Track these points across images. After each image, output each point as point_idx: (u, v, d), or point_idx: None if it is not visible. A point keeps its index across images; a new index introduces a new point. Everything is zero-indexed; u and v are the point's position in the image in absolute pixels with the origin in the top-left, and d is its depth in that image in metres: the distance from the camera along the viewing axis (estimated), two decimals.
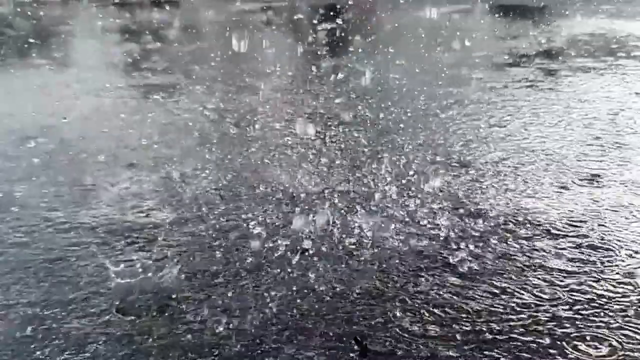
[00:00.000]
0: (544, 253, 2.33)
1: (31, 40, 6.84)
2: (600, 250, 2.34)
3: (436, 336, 1.89)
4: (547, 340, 1.86)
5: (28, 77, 5.53)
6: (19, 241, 2.55)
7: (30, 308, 2.08)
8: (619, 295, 2.07)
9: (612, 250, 2.34)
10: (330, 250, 2.40)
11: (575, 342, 1.85)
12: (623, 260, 2.27)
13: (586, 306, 2.02)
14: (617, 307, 2.01)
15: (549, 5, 8.38)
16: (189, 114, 4.19)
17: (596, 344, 1.84)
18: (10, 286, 2.22)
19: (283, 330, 1.95)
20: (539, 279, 2.17)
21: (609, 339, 1.85)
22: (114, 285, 2.21)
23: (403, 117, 3.89)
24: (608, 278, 2.16)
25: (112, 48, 6.93)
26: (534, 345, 1.84)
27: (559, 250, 2.34)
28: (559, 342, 1.85)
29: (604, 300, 2.04)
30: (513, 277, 2.19)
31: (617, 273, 2.19)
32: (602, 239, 2.42)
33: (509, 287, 2.13)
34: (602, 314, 1.97)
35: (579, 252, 2.33)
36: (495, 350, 1.83)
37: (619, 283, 2.13)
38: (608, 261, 2.26)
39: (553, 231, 2.49)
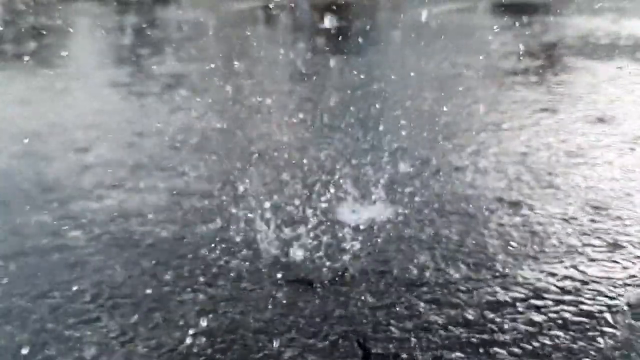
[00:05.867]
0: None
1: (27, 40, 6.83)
2: None
3: (440, 338, 1.88)
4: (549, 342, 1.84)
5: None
6: None
7: None
8: None
9: None
10: (332, 249, 2.39)
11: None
12: None
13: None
14: None
15: (551, 2, 8.35)
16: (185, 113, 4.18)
17: None
18: None
19: (285, 333, 1.94)
20: (533, 280, 2.16)
21: None
22: None
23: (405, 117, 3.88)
24: None
25: (108, 46, 6.92)
26: (540, 347, 1.83)
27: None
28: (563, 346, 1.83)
29: None
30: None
31: None
32: None
33: (513, 287, 2.12)
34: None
35: None
36: (501, 353, 1.81)
37: None
38: None
39: None
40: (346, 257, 2.33)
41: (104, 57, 6.60)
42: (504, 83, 4.67)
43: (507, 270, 2.22)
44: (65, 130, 3.97)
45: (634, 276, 2.15)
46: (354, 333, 1.92)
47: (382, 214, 2.64)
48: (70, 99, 4.82)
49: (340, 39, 6.77)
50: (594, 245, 2.36)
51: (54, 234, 2.62)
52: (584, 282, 2.13)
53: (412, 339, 1.88)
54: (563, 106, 4.06)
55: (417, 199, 2.75)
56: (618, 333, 1.87)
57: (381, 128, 3.68)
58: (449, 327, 1.93)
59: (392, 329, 1.93)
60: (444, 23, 7.06)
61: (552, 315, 1.97)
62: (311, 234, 2.49)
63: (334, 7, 8.05)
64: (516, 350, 1.82)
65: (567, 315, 1.97)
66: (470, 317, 1.97)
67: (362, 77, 4.90)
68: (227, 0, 9.44)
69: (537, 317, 1.96)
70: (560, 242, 2.40)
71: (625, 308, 1.98)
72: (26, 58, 6.34)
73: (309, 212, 2.65)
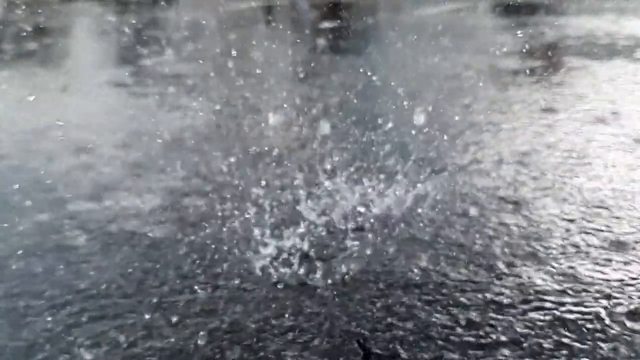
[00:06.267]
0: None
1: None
2: None
3: (440, 339, 1.88)
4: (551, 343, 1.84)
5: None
6: None
7: None
8: None
9: None
10: (333, 248, 2.39)
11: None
12: None
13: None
14: None
15: (551, 2, 8.35)
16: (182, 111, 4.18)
17: None
18: None
19: (285, 333, 1.93)
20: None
21: None
22: None
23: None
24: None
25: (106, 46, 6.92)
26: (541, 348, 1.83)
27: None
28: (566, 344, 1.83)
29: None
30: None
31: None
32: None
33: (514, 288, 2.12)
34: None
35: None
36: (500, 353, 1.81)
37: None
38: None
39: None
40: (346, 257, 2.33)
41: (104, 57, 6.61)
42: (504, 83, 4.67)
43: (507, 271, 2.22)
44: (65, 130, 3.97)
45: (635, 278, 2.15)
46: (354, 333, 1.92)
47: (382, 214, 2.64)
48: (70, 99, 4.82)
49: (340, 38, 6.77)
50: (595, 246, 2.36)
51: (54, 234, 2.62)
52: (585, 283, 2.13)
53: (413, 339, 1.88)
54: (563, 106, 4.06)
55: (416, 198, 2.74)
56: (619, 334, 1.87)
57: (381, 127, 3.67)
58: (449, 327, 1.93)
59: (393, 329, 1.93)
60: (444, 23, 7.06)
61: (552, 316, 1.96)
62: (311, 234, 2.49)
63: (334, 7, 8.05)
64: (517, 351, 1.82)
65: (567, 315, 1.96)
66: (470, 317, 1.97)
67: (361, 76, 4.89)
68: (227, 0, 9.44)
69: (538, 318, 1.96)
70: (562, 242, 2.40)
71: (627, 309, 1.98)
72: (26, 58, 6.35)
73: (309, 211, 2.65)
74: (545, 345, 1.83)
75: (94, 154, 3.54)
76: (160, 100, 4.59)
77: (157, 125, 3.98)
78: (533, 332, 1.89)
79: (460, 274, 2.21)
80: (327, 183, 2.87)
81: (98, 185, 3.09)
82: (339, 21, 7.69)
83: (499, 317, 1.97)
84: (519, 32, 6.50)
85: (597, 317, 1.95)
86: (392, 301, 2.07)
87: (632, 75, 4.74)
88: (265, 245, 2.41)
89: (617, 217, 2.57)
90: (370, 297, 2.10)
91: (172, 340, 1.92)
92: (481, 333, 1.90)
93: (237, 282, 2.22)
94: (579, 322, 1.93)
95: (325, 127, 3.75)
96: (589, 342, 1.84)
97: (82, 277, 2.28)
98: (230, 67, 5.31)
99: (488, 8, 8.60)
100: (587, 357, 1.78)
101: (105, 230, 2.63)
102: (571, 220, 2.56)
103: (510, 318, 1.96)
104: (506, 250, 2.36)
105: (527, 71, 4.98)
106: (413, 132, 3.56)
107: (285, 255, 2.35)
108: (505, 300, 2.05)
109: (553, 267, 2.23)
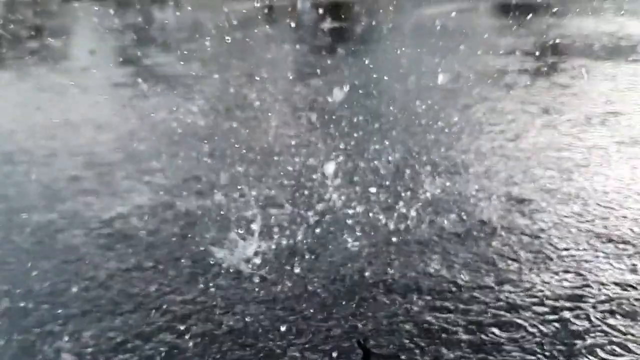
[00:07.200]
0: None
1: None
2: None
3: (440, 339, 1.88)
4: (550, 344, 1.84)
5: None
6: None
7: None
8: None
9: None
10: (333, 249, 2.39)
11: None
12: None
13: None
14: None
15: (551, 2, 8.35)
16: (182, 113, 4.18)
17: None
18: None
19: (285, 333, 1.93)
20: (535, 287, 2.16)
21: None
22: None
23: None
24: None
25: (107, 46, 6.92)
26: (541, 348, 1.83)
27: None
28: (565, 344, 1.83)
29: None
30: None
31: None
32: None
33: (516, 289, 2.12)
34: None
35: None
36: (501, 354, 1.81)
37: None
38: None
39: None
40: (346, 258, 2.33)
41: (104, 57, 6.60)
42: (504, 83, 4.67)
43: (508, 271, 2.22)
44: (65, 130, 3.98)
45: (637, 279, 2.15)
46: (354, 333, 1.92)
47: (382, 216, 2.64)
48: (69, 99, 4.82)
49: (340, 39, 6.78)
50: (596, 246, 2.36)
51: (53, 233, 2.62)
52: (586, 284, 2.13)
53: (413, 340, 1.88)
54: (563, 106, 4.06)
55: (416, 200, 2.74)
56: (620, 335, 1.87)
57: (381, 128, 3.68)
58: (449, 328, 1.93)
59: (393, 329, 1.93)
60: (444, 23, 7.06)
61: (554, 316, 1.96)
62: (312, 234, 2.49)
63: (336, 7, 8.05)
64: (518, 351, 1.82)
65: (569, 316, 1.96)
66: (471, 318, 1.97)
67: (361, 77, 4.90)
68: (227, 0, 9.45)
69: (540, 318, 1.95)
70: (562, 242, 2.40)
71: (629, 310, 1.98)
72: (26, 58, 6.35)
73: (310, 211, 2.65)
74: (547, 346, 1.83)
75: (93, 153, 3.54)
76: (160, 99, 4.59)
77: (157, 125, 3.99)
78: (534, 333, 1.89)
79: (461, 274, 2.21)
80: (327, 183, 2.87)
81: (97, 184, 3.09)
82: (339, 22, 7.69)
83: (500, 317, 1.97)
84: (519, 32, 6.50)
85: (599, 318, 1.95)
86: (392, 301, 2.07)
87: (631, 75, 4.74)
88: (265, 245, 2.41)
89: (618, 217, 2.57)
90: (370, 297, 2.10)
91: (171, 340, 1.92)
92: (482, 333, 1.90)
93: (236, 282, 2.22)
94: (581, 322, 1.93)
95: (324, 127, 3.75)
96: (590, 343, 1.84)
97: (81, 277, 2.28)
98: (231, 67, 5.32)
99: (488, 8, 8.61)
100: (587, 358, 1.78)
101: (105, 230, 2.63)
102: (571, 220, 2.56)
103: (511, 318, 1.96)
104: (507, 250, 2.36)
105: (527, 71, 4.98)
106: (413, 131, 3.57)
107: (285, 256, 2.35)
108: (506, 301, 2.05)
109: (553, 267, 2.23)
